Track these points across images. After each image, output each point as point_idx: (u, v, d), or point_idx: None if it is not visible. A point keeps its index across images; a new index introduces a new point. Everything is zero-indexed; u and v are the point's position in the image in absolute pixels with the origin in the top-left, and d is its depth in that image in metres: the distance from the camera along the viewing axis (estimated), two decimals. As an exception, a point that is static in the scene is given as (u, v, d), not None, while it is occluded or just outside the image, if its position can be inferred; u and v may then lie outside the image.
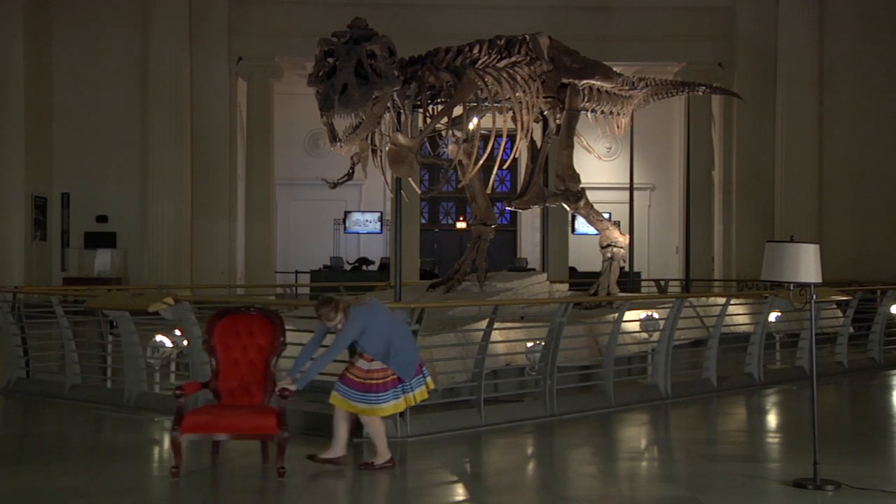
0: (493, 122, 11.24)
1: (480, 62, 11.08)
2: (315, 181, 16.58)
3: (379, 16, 14.10)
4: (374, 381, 6.86)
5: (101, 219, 23.18)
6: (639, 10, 23.64)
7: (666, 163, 27.39)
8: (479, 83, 10.90)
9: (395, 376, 6.89)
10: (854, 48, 23.08)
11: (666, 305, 11.14)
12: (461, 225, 27.55)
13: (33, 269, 22.22)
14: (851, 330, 13.06)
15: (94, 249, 23.01)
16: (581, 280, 17.94)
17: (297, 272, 25.66)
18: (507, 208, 13.42)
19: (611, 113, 12.59)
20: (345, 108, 9.64)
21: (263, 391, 7.00)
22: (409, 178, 11.27)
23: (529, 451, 8.41)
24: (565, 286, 15.18)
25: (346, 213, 26.71)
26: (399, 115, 10.80)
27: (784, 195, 22.76)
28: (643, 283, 21.40)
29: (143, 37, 22.81)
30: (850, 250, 22.24)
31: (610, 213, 21.84)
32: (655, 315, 11.16)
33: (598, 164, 20.89)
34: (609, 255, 12.27)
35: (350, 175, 10.99)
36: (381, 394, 6.86)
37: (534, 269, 19.31)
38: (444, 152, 12.22)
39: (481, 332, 8.86)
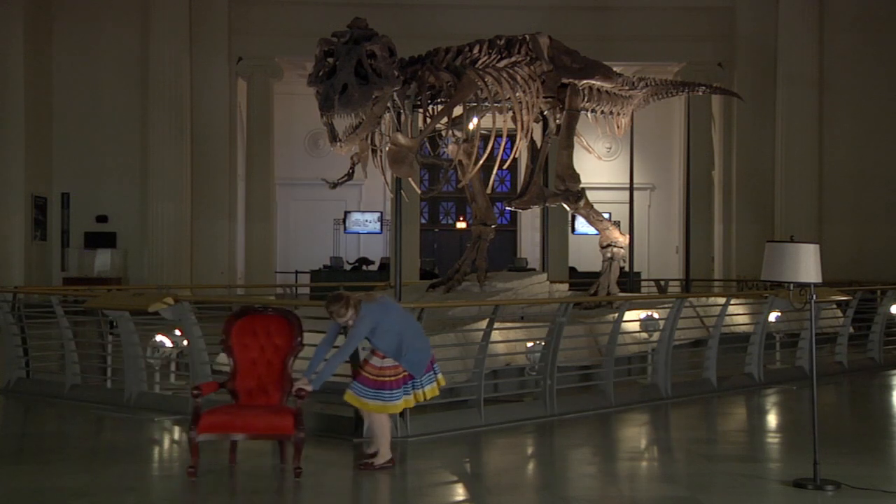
0: (493, 122, 11.24)
1: (480, 62, 11.08)
2: (315, 181, 16.59)
3: (379, 16, 14.11)
4: (386, 379, 6.85)
5: (101, 219, 23.19)
6: (639, 10, 23.64)
7: (666, 163, 27.40)
8: (479, 83, 10.91)
9: (406, 373, 6.87)
10: (854, 48, 23.09)
11: (666, 305, 11.13)
12: (461, 225, 27.55)
13: (33, 269, 22.23)
14: (851, 330, 13.06)
15: (94, 249, 23.02)
16: (581, 280, 17.94)
17: (297, 272, 25.66)
18: (507, 208, 13.42)
19: (611, 113, 12.59)
20: (345, 108, 9.64)
21: (280, 391, 6.99)
22: (409, 178, 11.28)
23: (529, 451, 8.41)
24: (565, 286, 15.18)
25: (346, 213, 26.72)
26: (399, 115, 10.81)
27: (784, 195, 22.77)
28: (643, 283, 21.40)
29: (143, 37, 22.82)
30: (850, 250, 22.24)
31: (610, 213, 21.85)
32: (655, 315, 11.16)
33: (598, 164, 20.89)
34: (609, 255, 12.27)
35: (350, 175, 11.00)
36: (394, 391, 6.84)
37: (534, 269, 19.31)
38: (444, 152, 12.22)
39: (481, 332, 8.86)
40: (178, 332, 9.61)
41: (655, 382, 10.27)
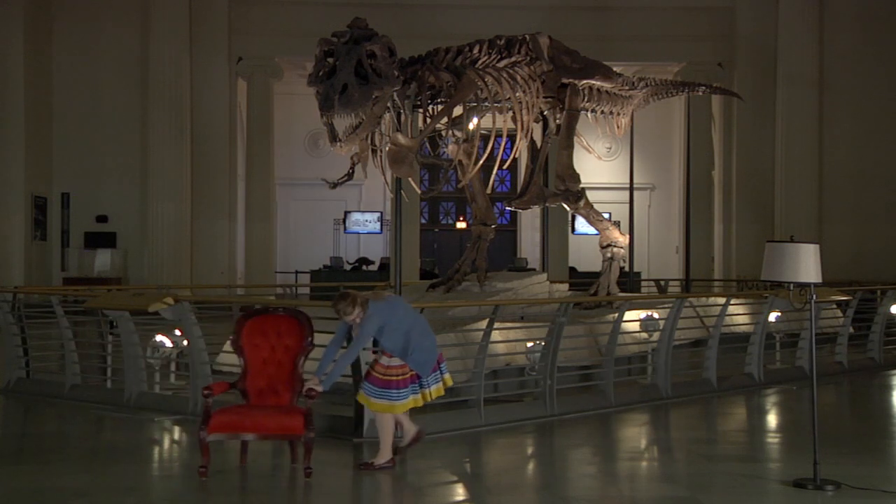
0: (493, 122, 11.24)
1: (480, 62, 11.08)
2: (315, 181, 16.59)
3: (379, 16, 14.11)
4: (392, 378, 6.84)
5: (101, 219, 23.19)
6: (639, 10, 23.64)
7: (666, 163, 27.40)
8: (479, 83, 10.91)
9: (412, 373, 6.85)
10: (854, 48, 23.09)
11: (666, 305, 11.13)
12: (461, 225, 27.55)
13: (33, 269, 22.23)
14: (851, 330, 13.06)
15: (94, 249, 23.02)
16: (581, 280, 17.94)
17: (297, 272, 25.66)
18: (507, 208, 13.42)
19: (611, 113, 12.59)
20: (345, 108, 9.64)
21: (291, 391, 6.99)
22: (409, 178, 11.28)
23: (529, 451, 8.41)
24: (565, 286, 15.18)
25: (346, 213, 26.71)
26: (399, 115, 10.81)
27: (784, 195, 22.77)
28: (643, 283, 21.40)
29: (143, 37, 22.82)
30: (850, 250, 22.25)
31: (610, 213, 21.85)
32: (655, 315, 11.16)
33: (598, 164, 20.89)
34: (609, 255, 12.27)
35: (350, 175, 11.00)
36: (401, 390, 6.83)
37: (534, 269, 19.31)
38: (444, 152, 12.22)
39: (481, 332, 8.86)
40: (178, 332, 9.60)
41: (655, 382, 10.27)
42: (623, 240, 12.41)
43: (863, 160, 23.05)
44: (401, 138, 10.42)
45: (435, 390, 6.98)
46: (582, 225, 22.27)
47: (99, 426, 9.00)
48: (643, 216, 25.91)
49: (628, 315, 10.49)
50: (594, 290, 12.15)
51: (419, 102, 10.88)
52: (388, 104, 10.41)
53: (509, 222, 28.19)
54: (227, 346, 10.30)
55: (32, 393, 10.31)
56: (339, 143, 10.12)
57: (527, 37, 11.61)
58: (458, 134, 11.36)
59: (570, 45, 12.23)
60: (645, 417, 9.53)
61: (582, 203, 12.01)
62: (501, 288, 11.79)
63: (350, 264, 24.57)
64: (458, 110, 11.02)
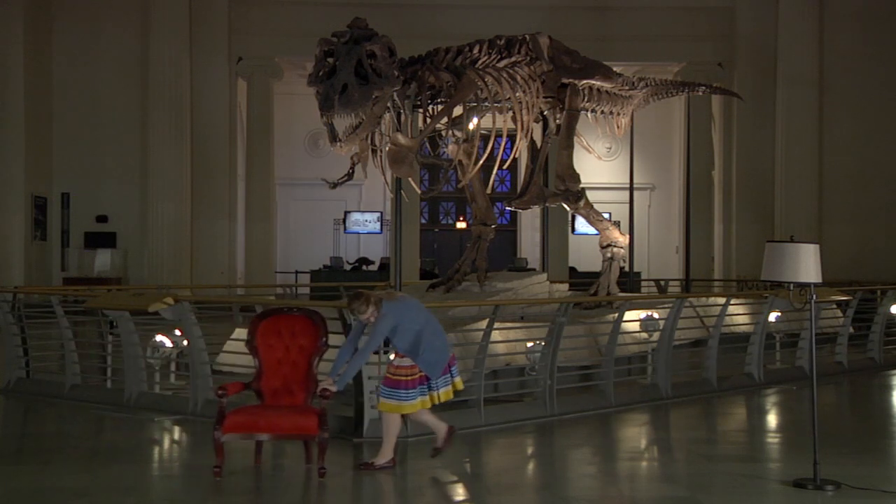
0: (493, 122, 11.24)
1: (480, 62, 11.08)
2: (315, 181, 16.58)
3: (379, 16, 14.10)
4: (402, 378, 6.83)
5: (101, 219, 23.19)
6: (639, 10, 23.64)
7: (666, 163, 27.39)
8: (479, 83, 10.91)
9: (421, 374, 6.83)
10: (854, 48, 23.09)
11: (666, 305, 11.14)
12: (461, 225, 27.54)
13: (33, 269, 22.23)
14: (851, 330, 13.06)
15: (94, 249, 23.02)
16: (581, 280, 17.94)
17: (297, 272, 25.66)
18: (507, 208, 13.42)
19: (611, 113, 12.60)
20: (345, 108, 9.64)
21: (305, 391, 7.00)
22: (409, 178, 11.28)
23: (529, 451, 8.41)
24: (565, 286, 15.18)
25: (346, 213, 26.71)
26: (399, 115, 10.81)
27: (784, 195, 22.77)
28: (643, 283, 21.40)
29: (143, 37, 22.82)
30: (850, 250, 22.25)
31: (610, 213, 21.84)
32: (655, 315, 11.16)
33: (598, 164, 20.88)
34: (609, 255, 12.27)
35: (350, 175, 10.99)
36: (409, 391, 6.81)
37: (534, 269, 19.31)
38: (444, 152, 12.22)
39: (481, 332, 8.86)
40: (178, 332, 9.61)
41: (655, 382, 10.28)
42: (623, 240, 12.41)
43: (863, 160, 23.05)
44: (401, 138, 10.42)
45: (444, 393, 6.94)
46: (582, 225, 22.26)
47: (99, 426, 9.00)
48: (643, 216, 25.90)
49: (628, 315, 10.49)
50: (594, 290, 12.15)
51: (419, 102, 10.88)
52: (388, 104, 10.40)
53: (509, 222, 28.19)
54: (227, 346, 10.34)
55: (32, 393, 10.31)
56: (339, 143, 10.12)
57: (527, 37, 11.61)
58: (458, 134, 11.36)
59: (570, 45, 12.23)
60: (645, 417, 9.53)
61: (582, 203, 12.01)
62: (501, 288, 11.79)
63: (350, 264, 24.57)
64: (458, 110, 11.02)
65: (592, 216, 12.29)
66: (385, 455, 6.91)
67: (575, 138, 12.08)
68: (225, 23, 23.39)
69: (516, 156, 12.20)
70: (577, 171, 12.02)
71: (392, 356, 6.96)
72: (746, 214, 23.41)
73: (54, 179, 23.09)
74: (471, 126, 11.19)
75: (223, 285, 20.72)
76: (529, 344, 9.68)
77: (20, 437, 8.75)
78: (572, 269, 23.54)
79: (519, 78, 11.22)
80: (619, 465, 7.68)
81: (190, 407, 8.99)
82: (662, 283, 19.97)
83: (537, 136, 12.28)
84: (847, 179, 23.06)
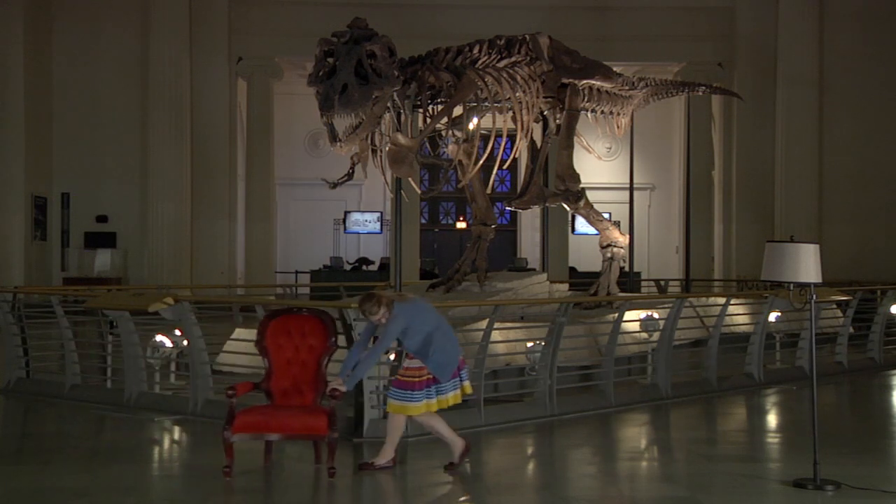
0: (493, 122, 11.24)
1: (480, 62, 11.08)
2: (315, 181, 16.58)
3: (379, 16, 14.10)
4: (407, 379, 6.82)
5: (101, 219, 23.18)
6: (639, 10, 23.64)
7: (666, 163, 27.39)
8: (479, 83, 10.91)
9: (429, 376, 6.80)
10: (854, 48, 23.09)
11: (666, 305, 11.14)
12: (461, 225, 27.54)
13: (33, 269, 22.22)
14: (851, 330, 13.06)
15: (94, 249, 23.01)
16: (581, 280, 17.94)
17: (297, 272, 25.66)
18: (507, 208, 13.42)
19: (611, 113, 12.60)
20: (345, 108, 9.64)
21: (315, 391, 7.00)
22: (409, 178, 11.28)
23: (529, 451, 8.41)
24: (565, 286, 15.18)
25: (346, 213, 26.70)
26: (399, 115, 10.81)
27: (784, 195, 22.77)
28: (643, 283, 21.40)
29: (143, 37, 22.81)
30: (850, 250, 22.24)
31: (610, 213, 21.84)
32: (655, 315, 11.16)
33: (598, 164, 20.88)
34: (609, 255, 12.27)
35: (350, 175, 11.00)
36: (415, 392, 6.79)
37: (534, 269, 19.31)
38: (444, 152, 12.22)
39: (481, 332, 8.86)
40: (178, 332, 9.60)
41: (655, 382, 10.28)
42: (623, 240, 12.41)
43: (863, 160, 23.05)
44: (401, 138, 10.42)
45: (453, 397, 6.91)
46: (582, 225, 22.26)
47: (99, 426, 9.01)
48: (643, 216, 25.90)
49: (628, 315, 10.49)
50: (594, 290, 12.15)
51: (419, 102, 10.88)
52: (388, 104, 10.41)
53: (509, 222, 28.18)
54: (227, 346, 10.33)
55: (32, 393, 10.31)
56: (339, 143, 10.12)
57: (527, 37, 11.61)
58: (458, 134, 11.36)
59: (570, 45, 12.23)
60: (645, 417, 9.53)
61: (582, 203, 12.01)
62: (501, 288, 11.79)
63: (350, 264, 24.56)
64: (458, 110, 11.02)
65: (592, 216, 12.29)
66: (386, 455, 6.91)
67: (575, 138, 12.08)
68: (225, 23, 23.39)
69: (516, 156, 12.20)
70: (577, 171, 12.02)
71: (405, 360, 6.94)
72: (746, 214, 23.40)
73: (54, 179, 23.08)
74: (471, 126, 11.19)
75: (223, 285, 20.72)
76: (529, 344, 9.68)
77: (20, 437, 8.75)
78: (572, 269, 23.54)
79: (519, 78, 11.22)
80: (619, 465, 7.68)
81: (190, 407, 8.99)
82: (662, 283, 19.98)
83: (537, 136, 12.28)
84: (847, 179, 23.06)
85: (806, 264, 6.51)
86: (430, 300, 10.96)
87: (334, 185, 10.95)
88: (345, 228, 26.87)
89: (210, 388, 9.05)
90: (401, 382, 6.84)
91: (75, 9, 23.19)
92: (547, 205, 12.52)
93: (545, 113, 12.13)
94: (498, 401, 9.13)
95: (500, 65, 11.19)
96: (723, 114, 23.94)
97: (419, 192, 13.31)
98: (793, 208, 22.58)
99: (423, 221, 27.00)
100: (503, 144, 11.32)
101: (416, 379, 6.80)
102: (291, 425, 6.71)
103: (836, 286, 13.86)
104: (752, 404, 10.55)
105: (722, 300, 11.70)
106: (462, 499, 6.65)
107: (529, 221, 27.61)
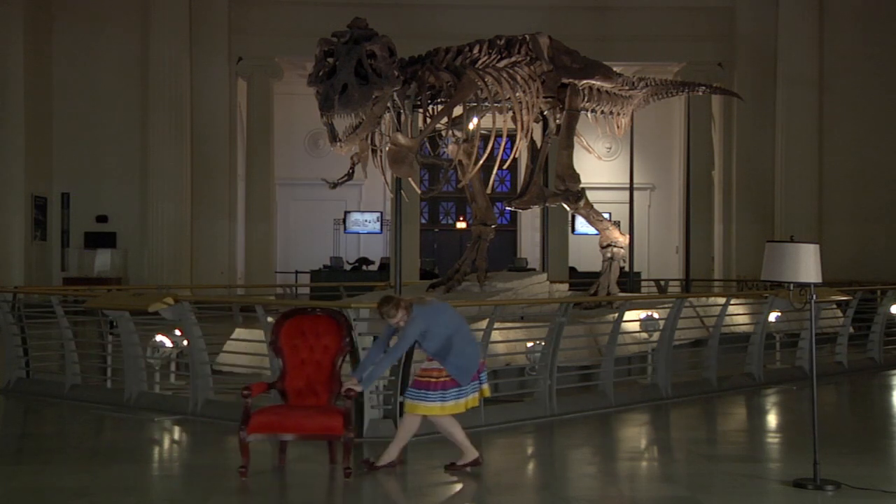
0: (493, 122, 11.24)
1: (480, 62, 11.09)
2: (315, 181, 16.58)
3: (379, 16, 14.10)
4: (423, 379, 6.82)
5: (101, 219, 23.17)
6: (639, 10, 23.63)
7: (666, 163, 27.38)
8: (479, 83, 10.91)
9: (446, 378, 6.77)
10: (854, 48, 23.08)
11: (666, 305, 11.13)
12: (461, 225, 27.54)
13: (33, 269, 22.22)
14: (851, 330, 13.06)
15: (94, 249, 23.00)
16: (581, 280, 17.94)
17: (297, 272, 25.65)
18: (507, 208, 13.42)
19: (611, 113, 12.60)
20: (345, 108, 9.64)
21: (329, 391, 7.00)
22: (409, 178, 11.28)
23: (529, 451, 8.41)
24: (565, 286, 15.19)
25: (346, 213, 26.70)
26: (399, 115, 10.81)
27: (784, 195, 22.77)
28: (643, 283, 21.40)
29: (143, 37, 22.80)
30: (850, 250, 22.24)
31: (610, 213, 21.84)
32: (655, 315, 11.16)
33: (598, 164, 20.88)
34: (609, 255, 12.28)
35: (350, 175, 11.00)
36: (430, 392, 6.77)
37: (534, 269, 19.31)
38: (444, 152, 12.22)
39: (481, 332, 8.86)
40: (178, 332, 9.61)
41: (655, 382, 10.28)
42: (623, 240, 12.41)
43: (863, 160, 23.04)
44: (401, 138, 10.42)
45: (471, 399, 6.89)
46: (582, 225, 22.24)
47: (99, 426, 9.00)
48: (643, 216, 25.89)
49: (628, 315, 10.49)
50: (594, 290, 12.15)
51: (419, 102, 10.88)
52: (388, 104, 10.41)
53: (509, 222, 28.18)
54: (227, 346, 10.34)
55: (32, 393, 10.31)
56: (339, 143, 10.12)
57: (527, 37, 11.61)
58: (458, 134, 11.37)
59: (570, 45, 12.23)
60: (645, 417, 9.53)
61: (582, 203, 12.01)
62: (501, 288, 11.79)
63: (350, 264, 24.56)
64: (458, 110, 11.02)
65: (592, 216, 12.29)
66: (390, 455, 6.90)
67: (575, 138, 12.08)
68: (225, 23, 23.38)
69: (516, 156, 12.21)
70: (577, 171, 12.02)
71: (424, 362, 6.93)
72: (746, 214, 23.39)
73: (54, 179, 23.07)
74: (471, 126, 11.19)
75: (223, 285, 20.71)
76: (529, 344, 9.68)
77: (20, 437, 8.74)
78: (572, 269, 23.53)
79: (519, 78, 11.22)
80: (619, 465, 7.68)
81: (190, 407, 8.99)
82: (662, 283, 19.98)
83: (537, 136, 12.28)
84: (847, 179, 23.05)
85: (806, 264, 6.51)
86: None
87: (334, 185, 10.95)
88: (345, 228, 26.87)
89: (210, 389, 9.05)
90: (418, 382, 6.84)
91: (75, 9, 23.18)
92: (547, 205, 12.52)
93: (545, 113, 12.14)
94: (498, 401, 9.12)
95: (500, 65, 11.19)
96: (723, 114, 23.93)
97: (419, 192, 13.32)
98: (793, 208, 22.58)
99: (423, 221, 27.00)
100: (503, 144, 11.32)
101: (433, 379, 6.78)
102: (307, 425, 6.71)
103: (836, 286, 13.87)
104: (752, 404, 10.55)
105: (722, 300, 11.70)
106: (461, 499, 6.66)
107: (529, 221, 27.60)
